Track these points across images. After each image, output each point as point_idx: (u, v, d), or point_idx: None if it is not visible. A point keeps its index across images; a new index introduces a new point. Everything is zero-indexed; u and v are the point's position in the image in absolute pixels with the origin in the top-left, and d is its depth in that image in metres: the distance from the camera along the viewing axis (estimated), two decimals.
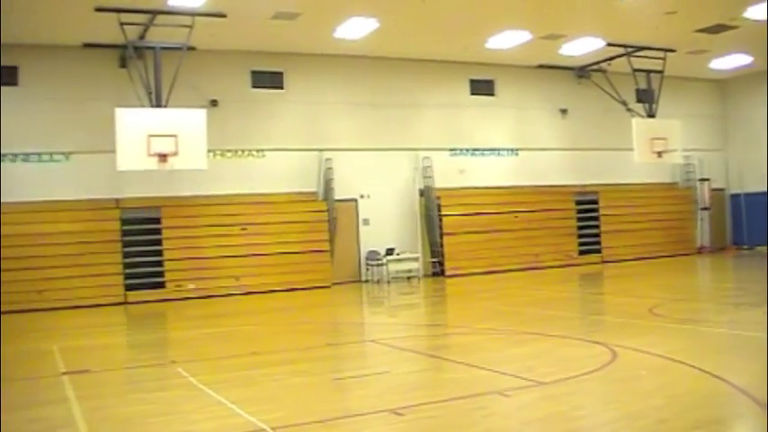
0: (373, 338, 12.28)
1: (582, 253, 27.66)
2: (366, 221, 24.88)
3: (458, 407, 7.73)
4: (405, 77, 25.26)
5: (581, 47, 24.04)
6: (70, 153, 21.85)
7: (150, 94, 19.94)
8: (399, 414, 7.39)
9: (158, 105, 19.74)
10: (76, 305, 20.82)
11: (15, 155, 21.63)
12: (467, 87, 26.52)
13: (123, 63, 21.56)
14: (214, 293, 22.15)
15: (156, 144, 18.96)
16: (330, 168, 23.99)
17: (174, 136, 19.12)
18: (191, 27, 19.19)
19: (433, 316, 16.97)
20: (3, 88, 21.51)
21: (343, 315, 16.97)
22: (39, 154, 21.83)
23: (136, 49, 20.45)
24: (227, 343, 13.33)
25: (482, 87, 26.69)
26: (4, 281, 20.47)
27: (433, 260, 25.31)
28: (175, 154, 19.08)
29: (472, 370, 9.43)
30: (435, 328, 14.17)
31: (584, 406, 7.66)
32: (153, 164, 18.96)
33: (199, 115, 19.57)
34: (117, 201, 22.11)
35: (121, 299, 21.65)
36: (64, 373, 10.81)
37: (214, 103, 23.03)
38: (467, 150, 26.29)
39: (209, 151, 22.55)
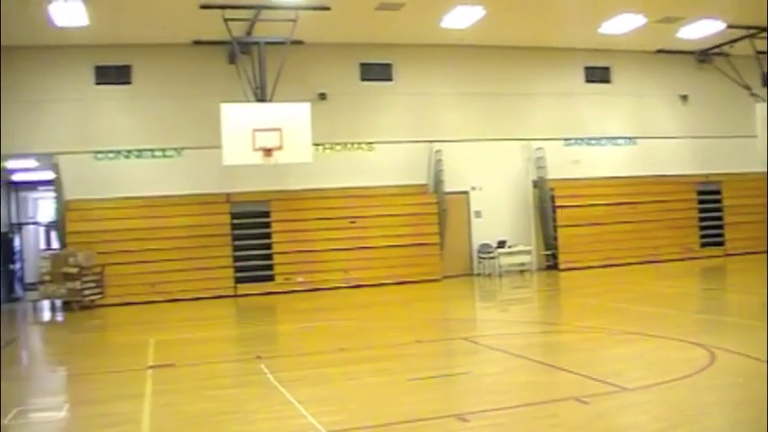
0: (466, 336, 11.86)
1: (703, 245, 26.29)
2: (478, 213, 24.38)
3: (527, 414, 7.31)
4: (516, 66, 24.57)
5: (700, 29, 22.75)
6: (182, 149, 22.26)
7: (257, 89, 20.08)
8: (464, 420, 7.02)
9: (263, 100, 19.83)
10: (188, 297, 21.22)
11: (129, 151, 22.20)
12: (581, 75, 25.53)
13: (232, 59, 21.75)
14: (322, 287, 22.15)
15: (261, 138, 19.03)
16: (440, 160, 23.60)
17: (279, 130, 19.15)
18: (294, 21, 19.15)
19: (534, 312, 16.40)
20: (117, 87, 22.16)
21: (443, 310, 16.60)
22: (151, 150, 22.34)
23: (242, 44, 20.64)
24: (319, 338, 13.19)
25: (597, 74, 25.67)
26: (119, 274, 21.07)
27: (547, 253, 24.61)
28: (280, 148, 19.11)
29: (556, 372, 8.94)
30: (533, 325, 13.63)
31: (665, 417, 7.05)
32: (258, 158, 19.04)
33: (303, 109, 19.51)
34: (227, 195, 22.38)
35: (231, 291, 21.94)
36: (150, 367, 10.91)
37: (322, 96, 23.00)
38: (581, 140, 25.37)
39: (317, 145, 22.72)
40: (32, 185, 26.54)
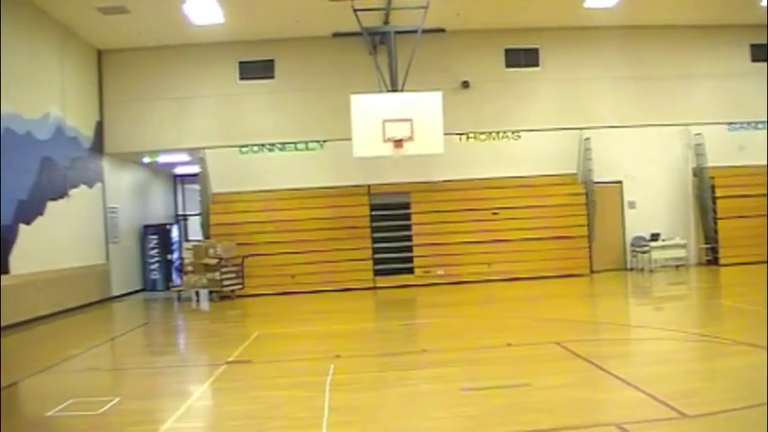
0: (561, 340, 11.00)
1: None
2: (632, 204, 22.98)
3: None
4: (670, 46, 22.85)
5: None
6: (324, 141, 22.29)
7: (393, 78, 19.75)
8: None
9: (395, 90, 19.47)
10: (327, 289, 21.26)
11: (272, 145, 22.48)
12: (746, 53, 23.40)
13: (372, 50, 21.53)
14: (463, 280, 21.59)
15: (391, 129, 18.67)
16: (589, 149, 22.39)
17: (409, 120, 18.71)
18: (425, 8, 18.62)
19: (656, 314, 14.98)
20: (260, 81, 22.48)
21: (566, 309, 15.53)
22: (294, 143, 22.51)
23: (380, 34, 20.39)
24: (410, 337, 12.75)
25: (765, 53, 23.47)
26: (259, 265, 21.41)
27: (706, 247, 22.84)
28: (410, 139, 18.67)
29: (621, 389, 8.03)
30: (642, 330, 12.42)
31: None
32: (388, 150, 18.66)
33: (435, 98, 18.93)
34: (368, 187, 22.22)
35: (370, 284, 21.79)
36: (227, 362, 10.82)
37: (465, 84, 22.40)
38: (747, 124, 23.34)
39: (460, 134, 22.25)
40: (192, 178, 27.45)
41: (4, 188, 16.57)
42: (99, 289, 21.53)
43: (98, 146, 22.10)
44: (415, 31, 19.29)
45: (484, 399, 7.98)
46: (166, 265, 25.50)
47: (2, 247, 16.48)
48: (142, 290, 25.15)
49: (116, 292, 22.75)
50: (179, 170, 28.05)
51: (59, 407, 8.49)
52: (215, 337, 14.46)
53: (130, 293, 23.88)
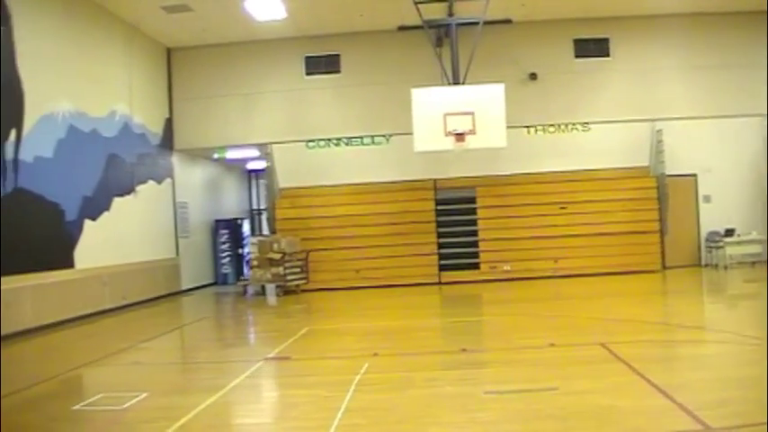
0: (606, 341, 10.61)
1: None
2: (707, 198, 22.18)
3: None
4: (745, 33, 21.73)
5: None
6: (390, 135, 22.15)
7: (455, 71, 19.46)
8: None
9: (457, 83, 19.17)
10: (392, 284, 21.16)
11: (339, 139, 22.46)
12: None
13: (438, 42, 21.29)
14: (530, 276, 21.20)
15: (453, 123, 18.39)
16: (660, 141, 21.68)
17: (471, 114, 18.40)
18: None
19: (718, 315, 14.30)
20: (326, 76, 22.48)
21: (625, 307, 15.00)
22: (361, 138, 22.45)
23: (442, 27, 20.13)
24: (454, 335, 12.53)
25: None
26: (325, 260, 21.45)
27: None
28: (472, 132, 18.37)
29: (651, 396, 7.65)
30: (695, 331, 11.85)
31: None
32: (449, 144, 18.37)
33: (497, 90, 18.53)
34: (434, 181, 22.01)
35: (435, 279, 21.58)
36: (265, 359, 10.82)
37: (533, 76, 21.96)
38: None
39: (528, 127, 21.85)
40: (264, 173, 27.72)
41: (70, 185, 16.95)
42: (168, 283, 21.89)
43: (167, 142, 22.46)
44: (475, 23, 18.95)
45: (503, 403, 7.73)
46: (238, 260, 25.82)
47: (67, 242, 16.88)
48: (214, 283, 25.51)
49: (186, 286, 23.12)
50: (251, 165, 28.36)
51: (88, 400, 8.63)
52: (264, 333, 14.52)
53: (201, 287, 24.24)
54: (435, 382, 8.80)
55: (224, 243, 25.72)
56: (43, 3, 16.44)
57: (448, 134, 18.31)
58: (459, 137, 18.24)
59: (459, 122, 18.29)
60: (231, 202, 28.47)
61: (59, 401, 8.77)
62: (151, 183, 21.27)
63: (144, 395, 8.72)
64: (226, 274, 25.58)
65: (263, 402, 8.26)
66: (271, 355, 11.12)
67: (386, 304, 17.96)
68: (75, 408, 8.37)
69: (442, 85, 19.10)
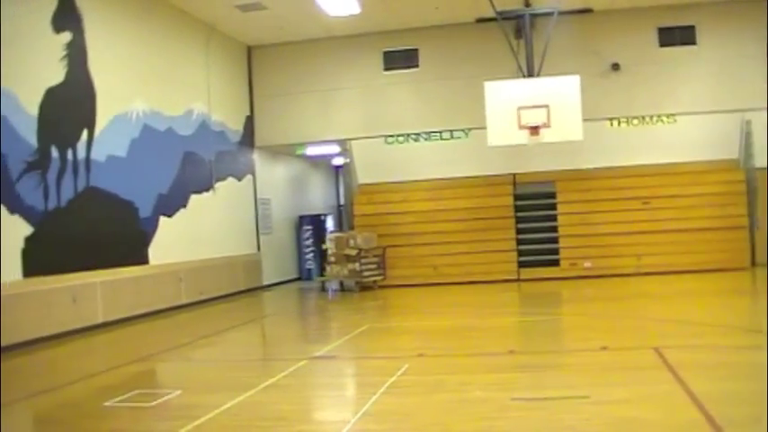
0: (661, 345, 10.13)
1: None
2: None
3: None
4: None
5: None
6: (469, 129, 21.84)
7: (530, 63, 19.05)
8: None
9: (531, 75, 18.75)
10: (470, 281, 20.89)
11: (417, 134, 22.32)
12: None
13: (518, 35, 20.88)
14: (612, 273, 20.53)
15: (527, 116, 18.00)
16: (750, 132, 20.73)
17: (546, 106, 17.96)
18: None
19: None
20: (405, 71, 22.34)
21: (700, 308, 14.26)
22: (439, 132, 22.24)
23: (520, 18, 19.73)
24: (509, 336, 12.23)
25: None
26: (402, 256, 21.37)
27: None
28: (547, 126, 17.94)
29: (684, 408, 7.15)
30: (760, 336, 11.24)
31: None
32: (523, 138, 17.99)
33: (572, 82, 18.02)
34: (514, 176, 21.63)
35: (514, 276, 21.21)
36: (309, 358, 10.78)
37: (616, 66, 21.29)
38: None
39: (611, 119, 21.28)
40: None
41: (144, 183, 17.32)
42: (248, 278, 22.16)
43: (248, 139, 22.73)
44: (552, 14, 18.49)
45: (525, 411, 7.44)
46: (321, 255, 25.92)
47: (141, 238, 17.24)
48: (298, 279, 25.73)
49: (268, 281, 23.37)
50: (337, 161, 28.48)
51: (122, 397, 8.70)
52: (322, 330, 14.54)
53: (284, 282, 24.47)
54: (467, 386, 8.56)
55: (308, 239, 25.89)
56: (117, 5, 16.82)
57: (522, 128, 17.96)
58: (534, 130, 17.84)
59: (533, 116, 17.89)
60: (317, 197, 28.67)
61: (96, 397, 8.90)
62: (231, 180, 21.55)
63: (177, 393, 8.78)
64: (309, 270, 25.76)
65: (286, 403, 8.16)
66: (318, 354, 11.08)
67: (459, 301, 17.75)
68: (106, 404, 8.47)
69: (521, 77, 18.72)
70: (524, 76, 18.63)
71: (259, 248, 23.11)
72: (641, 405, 7.46)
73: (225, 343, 13.49)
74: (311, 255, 25.85)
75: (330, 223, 27.31)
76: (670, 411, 7.23)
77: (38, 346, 13.18)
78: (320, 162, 28.38)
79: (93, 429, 7.76)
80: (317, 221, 26.25)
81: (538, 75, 18.48)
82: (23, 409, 8.86)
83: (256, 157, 23.16)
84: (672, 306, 15.03)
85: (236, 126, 22.06)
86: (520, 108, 17.85)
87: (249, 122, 22.86)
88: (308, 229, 25.97)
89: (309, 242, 25.87)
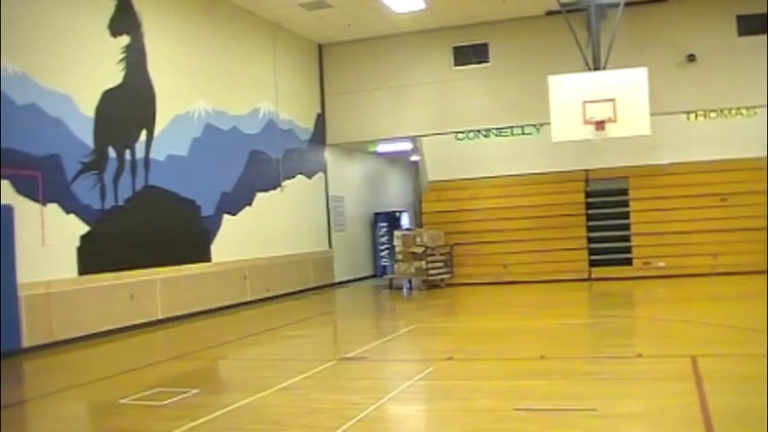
0: (699, 353, 9.61)
1: None
2: None
3: None
4: None
5: None
6: (541, 125, 21.39)
7: (595, 56, 18.52)
8: None
9: (598, 68, 18.22)
10: (539, 280, 20.52)
11: (488, 130, 22.03)
12: None
13: (588, 26, 20.33)
14: (686, 272, 19.81)
15: (592, 110, 17.48)
16: None
17: (612, 100, 17.41)
18: None
19: None
20: (475, 66, 22.04)
21: (761, 312, 13.66)
22: (510, 128, 21.91)
23: (584, 10, 19.22)
24: (546, 340, 11.73)
25: None
26: (470, 254, 21.14)
27: None
28: (612, 120, 17.39)
29: (687, 426, 6.79)
30: None
31: None
32: (588, 133, 17.49)
33: (639, 75, 17.41)
34: (585, 172, 21.12)
35: (585, 275, 20.70)
36: (340, 359, 10.74)
37: (691, 57, 20.50)
38: None
39: (687, 112, 20.59)
40: None
41: (206, 181, 17.57)
42: (319, 275, 22.28)
43: (319, 137, 22.83)
44: (617, 4, 17.92)
45: (522, 423, 7.17)
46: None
47: (203, 236, 17.51)
48: (373, 276, 25.75)
49: (340, 279, 23.44)
50: (415, 157, 28.34)
51: (140, 394, 8.81)
52: (367, 329, 14.43)
53: (358, 280, 24.51)
54: (477, 393, 8.32)
55: (383, 236, 25.89)
56: (179, 9, 17.13)
57: (587, 122, 17.47)
58: (599, 125, 17.32)
59: (598, 110, 17.37)
60: (394, 194, 28.62)
61: (115, 394, 9.03)
62: (300, 177, 21.68)
63: (194, 392, 8.85)
64: (384, 267, 25.77)
65: (289, 407, 8.11)
66: (350, 355, 11.01)
67: (521, 302, 17.48)
68: (122, 401, 8.59)
69: (588, 71, 18.24)
70: (590, 70, 18.13)
71: (331, 246, 23.21)
72: (646, 420, 7.13)
73: (268, 341, 13.54)
74: (386, 252, 25.83)
75: (405, 220, 27.23)
76: (672, 429, 6.89)
77: (95, 341, 13.60)
78: (398, 158, 28.32)
79: (96, 427, 7.90)
80: (392, 218, 26.21)
81: (604, 68, 17.96)
82: (38, 405, 9.08)
83: (328, 154, 23.25)
84: (735, 309, 14.37)
85: (305, 124, 22.18)
86: (585, 102, 17.40)
87: (320, 120, 22.95)
88: (383, 226, 25.95)
89: (385, 239, 25.86)
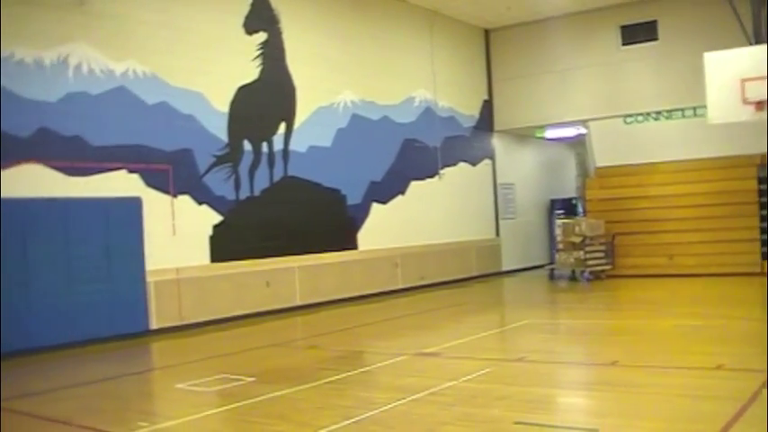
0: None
1: None
2: None
3: None
4: None
5: None
6: None
7: (757, 29, 17.13)
8: None
9: (759, 42, 16.80)
10: (706, 273, 19.28)
11: (658, 113, 20.99)
12: None
13: None
14: None
15: (751, 89, 16.18)
16: None
17: None
18: None
19: None
20: (643, 45, 21.03)
21: None
22: (681, 110, 20.73)
23: None
24: (646, 344, 10.93)
25: None
26: (633, 244, 20.28)
27: None
28: None
29: None
30: None
31: None
32: (747, 114, 16.22)
33: None
34: (760, 157, 19.60)
35: (757, 269, 19.20)
36: (417, 353, 10.71)
37: None
38: None
39: None
40: None
41: (352, 171, 17.98)
42: (483, 264, 22.20)
43: (485, 124, 22.68)
44: None
45: None
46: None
47: (348, 225, 17.96)
48: (550, 264, 25.22)
49: (509, 267, 23.21)
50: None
51: (200, 380, 9.26)
52: (474, 324, 14.11)
53: (531, 268, 24.09)
54: (499, 401, 7.95)
55: None
56: (322, 2, 17.65)
57: (746, 102, 16.21)
58: (759, 105, 16.06)
59: (758, 89, 16.09)
60: (572, 180, 27.80)
61: (178, 378, 9.57)
62: (462, 165, 21.64)
63: (250, 380, 9.21)
64: None
65: (312, 402, 8.22)
66: (426, 350, 10.91)
67: (667, 300, 16.26)
68: (177, 386, 9.11)
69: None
70: (750, 44, 16.80)
71: (498, 233, 23.02)
72: None
73: (371, 331, 13.70)
74: None
75: (581, 207, 26.47)
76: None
77: (227, 325, 14.45)
78: (576, 143, 27.51)
79: (134, 409, 8.44)
80: (569, 205, 25.55)
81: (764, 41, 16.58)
82: (106, 386, 9.69)
83: (496, 141, 23.03)
84: None
85: (469, 111, 22.09)
86: (744, 80, 16.16)
87: (486, 107, 22.76)
88: (560, 213, 25.34)
89: None
